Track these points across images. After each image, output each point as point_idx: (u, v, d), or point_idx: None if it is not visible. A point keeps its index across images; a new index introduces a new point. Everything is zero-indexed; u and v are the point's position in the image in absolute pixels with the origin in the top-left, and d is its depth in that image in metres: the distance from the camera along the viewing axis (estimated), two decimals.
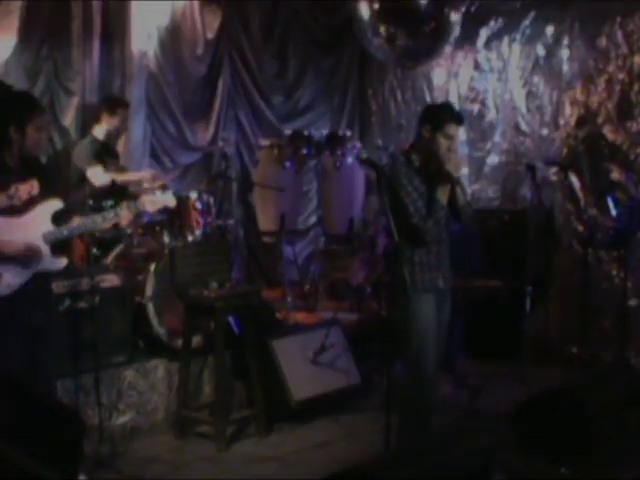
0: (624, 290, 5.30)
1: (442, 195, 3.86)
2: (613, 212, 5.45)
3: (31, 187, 3.60)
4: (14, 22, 5.30)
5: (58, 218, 3.69)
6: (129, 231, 5.20)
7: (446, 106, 4.23)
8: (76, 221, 3.74)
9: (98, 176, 5.17)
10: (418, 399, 3.90)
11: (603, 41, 5.94)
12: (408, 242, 3.83)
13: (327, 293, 6.47)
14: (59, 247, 3.73)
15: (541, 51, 6.38)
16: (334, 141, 6.10)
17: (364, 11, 6.09)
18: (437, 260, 3.94)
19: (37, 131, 3.62)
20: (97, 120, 5.47)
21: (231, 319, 4.85)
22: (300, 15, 7.25)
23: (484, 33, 6.74)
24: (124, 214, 3.86)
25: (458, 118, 3.97)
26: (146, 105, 6.22)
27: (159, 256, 4.94)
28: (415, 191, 3.85)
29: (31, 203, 3.61)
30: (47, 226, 3.65)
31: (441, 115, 3.93)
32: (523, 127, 6.51)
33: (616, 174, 5.79)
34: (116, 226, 5.09)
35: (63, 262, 3.69)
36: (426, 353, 3.86)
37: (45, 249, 3.61)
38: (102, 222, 3.79)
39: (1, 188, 3.52)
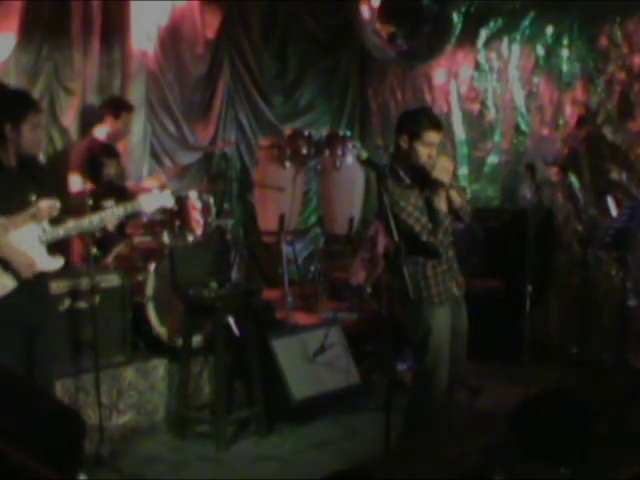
0: (624, 290, 5.30)
1: (441, 204, 3.78)
2: (613, 212, 5.45)
3: (51, 208, 3.60)
4: (14, 22, 5.30)
5: (55, 218, 3.67)
6: (129, 231, 5.20)
7: (423, 112, 3.96)
8: (72, 221, 3.72)
9: (74, 185, 5.22)
10: (429, 411, 3.87)
11: (603, 41, 5.94)
12: (422, 256, 3.80)
13: (327, 293, 6.46)
14: (57, 247, 3.71)
15: (541, 51, 6.37)
16: (334, 141, 6.10)
17: (364, 11, 6.09)
18: (449, 267, 3.91)
19: (33, 130, 3.56)
20: (100, 120, 5.47)
21: (231, 319, 4.85)
22: (300, 15, 7.24)
23: (484, 33, 6.72)
24: (121, 214, 3.84)
25: (437, 124, 3.76)
26: (146, 105, 6.21)
27: (159, 256, 4.94)
28: (416, 209, 3.74)
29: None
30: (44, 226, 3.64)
31: (418, 122, 3.72)
32: (523, 127, 6.51)
33: (616, 174, 5.79)
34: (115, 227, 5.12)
35: (60, 262, 3.68)
36: (440, 369, 3.82)
37: (41, 249, 3.59)
38: (99, 222, 3.77)
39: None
